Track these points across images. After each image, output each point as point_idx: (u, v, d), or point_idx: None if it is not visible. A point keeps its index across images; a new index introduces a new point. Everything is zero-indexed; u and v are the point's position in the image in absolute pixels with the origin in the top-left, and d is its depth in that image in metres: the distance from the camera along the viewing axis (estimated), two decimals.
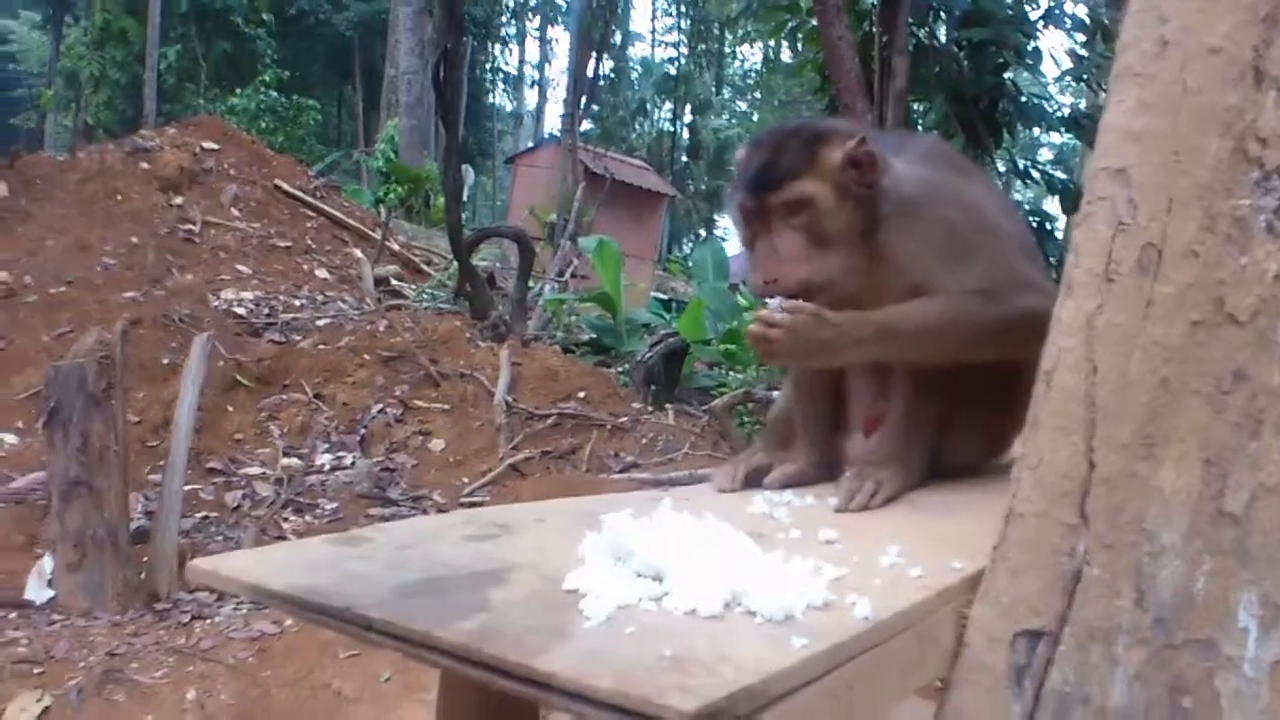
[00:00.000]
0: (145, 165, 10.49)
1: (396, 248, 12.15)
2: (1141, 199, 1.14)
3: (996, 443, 2.03)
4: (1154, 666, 1.06)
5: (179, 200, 10.21)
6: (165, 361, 7.06)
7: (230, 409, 6.93)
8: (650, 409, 7.64)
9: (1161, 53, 1.15)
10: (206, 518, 5.82)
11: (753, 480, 1.91)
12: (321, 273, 10.14)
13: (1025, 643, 1.15)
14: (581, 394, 7.30)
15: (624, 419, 7.05)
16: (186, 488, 5.36)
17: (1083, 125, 8.34)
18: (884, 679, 1.16)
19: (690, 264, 19.70)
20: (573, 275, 13.42)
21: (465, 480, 6.34)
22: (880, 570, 1.31)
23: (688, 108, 47.17)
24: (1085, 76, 8.46)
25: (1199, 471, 1.06)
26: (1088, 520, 1.12)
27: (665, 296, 16.42)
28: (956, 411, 1.89)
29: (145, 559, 4.89)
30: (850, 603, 1.15)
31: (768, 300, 1.77)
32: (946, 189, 1.91)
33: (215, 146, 11.31)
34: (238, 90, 24.94)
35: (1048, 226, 9.26)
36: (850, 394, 2.03)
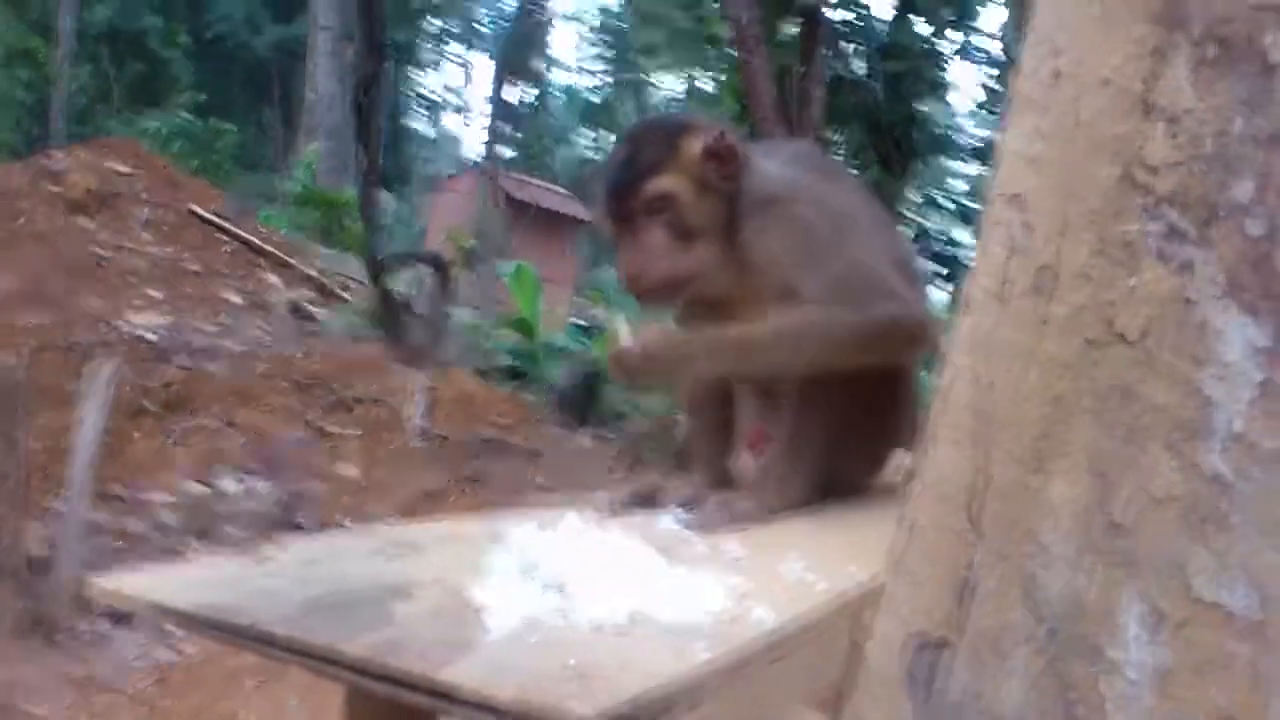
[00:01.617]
0: (53, 187, 10.23)
1: (312, 273, 11.99)
2: (1037, 223, 1.18)
3: (880, 461, 2.06)
4: (1046, 674, 1.09)
5: (87, 223, 9.97)
6: (70, 388, 6.85)
7: (136, 435, 6.78)
8: (567, 434, 7.63)
9: (1055, 83, 1.19)
10: (109, 547, 5.67)
11: (637, 503, 1.83)
12: (234, 297, 9.96)
13: (922, 652, 1.18)
14: (498, 419, 7.27)
15: (541, 444, 7.03)
16: (89, 516, 5.23)
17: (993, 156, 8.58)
18: (786, 688, 1.18)
19: (609, 291, 19.69)
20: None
21: (379, 508, 6.27)
22: (784, 582, 1.33)
23: (610, 135, 47.28)
24: (997, 109, 8.69)
25: (1089, 484, 1.10)
26: (982, 532, 1.15)
27: (584, 323, 16.40)
28: (844, 431, 1.86)
29: (44, 589, 4.75)
30: (754, 613, 1.17)
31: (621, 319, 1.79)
32: (808, 191, 1.90)
33: (127, 169, 11.07)
34: (151, 112, 24.45)
35: (958, 256, 9.48)
36: (739, 412, 2.03)
